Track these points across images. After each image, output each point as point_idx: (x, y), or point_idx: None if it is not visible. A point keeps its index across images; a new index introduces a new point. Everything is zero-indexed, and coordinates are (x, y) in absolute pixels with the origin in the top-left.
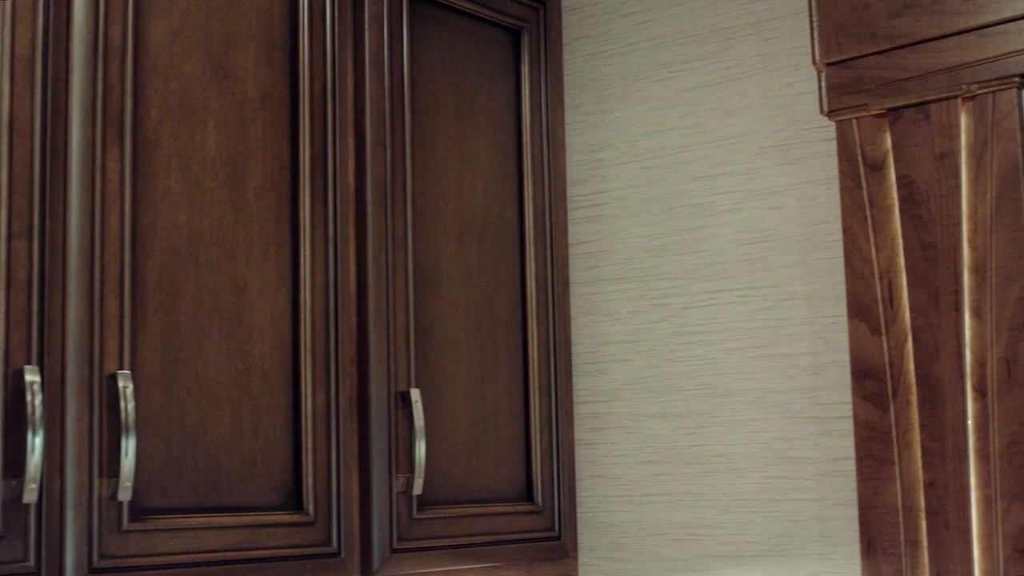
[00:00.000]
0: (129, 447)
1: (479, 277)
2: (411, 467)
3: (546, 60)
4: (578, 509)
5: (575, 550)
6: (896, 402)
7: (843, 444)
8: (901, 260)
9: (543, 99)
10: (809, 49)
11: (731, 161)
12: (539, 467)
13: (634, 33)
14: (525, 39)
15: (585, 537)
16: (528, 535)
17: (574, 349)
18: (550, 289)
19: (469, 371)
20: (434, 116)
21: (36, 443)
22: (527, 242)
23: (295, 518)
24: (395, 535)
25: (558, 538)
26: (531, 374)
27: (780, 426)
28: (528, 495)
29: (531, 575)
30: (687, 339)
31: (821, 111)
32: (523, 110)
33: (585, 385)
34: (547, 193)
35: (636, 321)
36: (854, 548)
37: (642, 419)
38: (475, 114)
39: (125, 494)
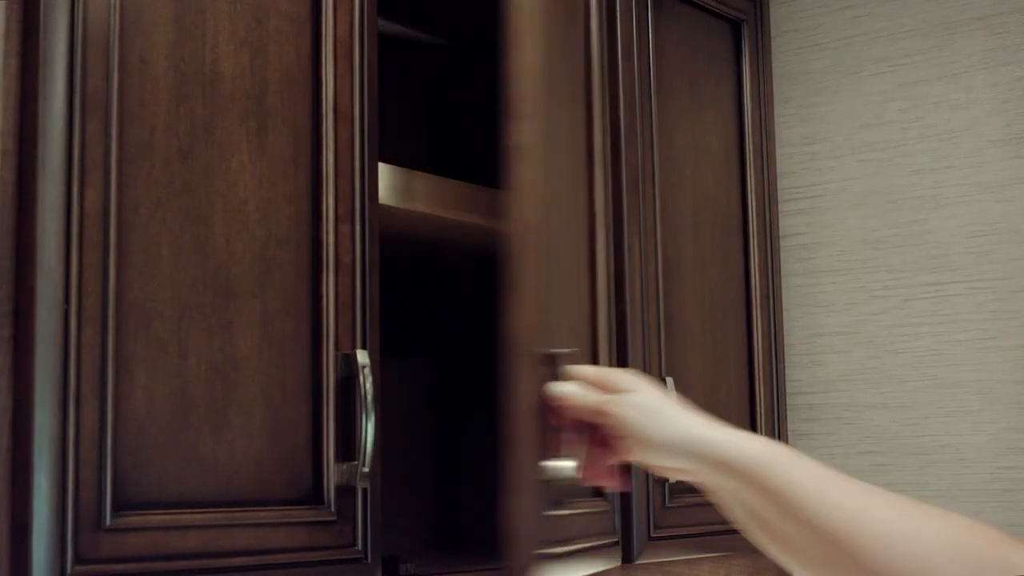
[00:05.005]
0: None
1: (711, 267)
2: None
3: (761, 53)
4: None
5: None
6: None
7: None
8: None
9: (760, 92)
10: None
11: (956, 154)
12: None
13: (848, 27)
14: (745, 32)
15: None
16: None
17: (786, 340)
18: (771, 281)
19: (705, 361)
20: (673, 106)
21: (369, 427)
22: (750, 234)
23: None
24: (652, 524)
25: None
26: (756, 365)
27: (1011, 417)
28: None
29: (754, 565)
30: (910, 331)
31: None
32: (744, 102)
33: (799, 376)
34: (766, 185)
35: (854, 313)
36: None
37: (861, 410)
38: (705, 105)
39: None
